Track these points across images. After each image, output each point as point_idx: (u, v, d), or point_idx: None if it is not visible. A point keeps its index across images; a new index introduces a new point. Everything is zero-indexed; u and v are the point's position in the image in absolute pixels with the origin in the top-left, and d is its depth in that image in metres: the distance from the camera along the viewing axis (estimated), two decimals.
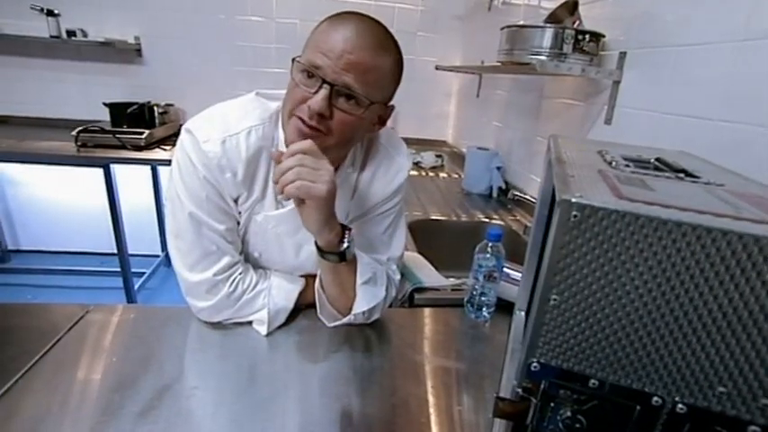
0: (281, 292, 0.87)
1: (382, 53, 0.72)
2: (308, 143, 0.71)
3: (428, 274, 1.14)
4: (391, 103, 0.82)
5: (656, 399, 0.36)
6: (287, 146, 0.78)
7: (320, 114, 0.71)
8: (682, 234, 0.31)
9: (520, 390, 0.40)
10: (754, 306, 0.30)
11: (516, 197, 1.68)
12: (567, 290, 0.35)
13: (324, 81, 0.70)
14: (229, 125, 0.78)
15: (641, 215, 0.32)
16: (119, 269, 2.38)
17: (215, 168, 0.76)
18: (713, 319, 0.32)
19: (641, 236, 0.32)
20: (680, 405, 0.35)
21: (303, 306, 0.90)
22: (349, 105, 0.72)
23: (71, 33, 2.52)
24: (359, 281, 0.82)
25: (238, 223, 0.85)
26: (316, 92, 0.70)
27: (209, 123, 0.78)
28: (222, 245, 0.82)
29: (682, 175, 0.49)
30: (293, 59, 0.73)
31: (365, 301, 0.83)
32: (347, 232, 0.79)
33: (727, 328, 0.32)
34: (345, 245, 0.77)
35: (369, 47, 0.70)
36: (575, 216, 0.33)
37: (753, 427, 0.33)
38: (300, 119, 0.72)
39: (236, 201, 0.82)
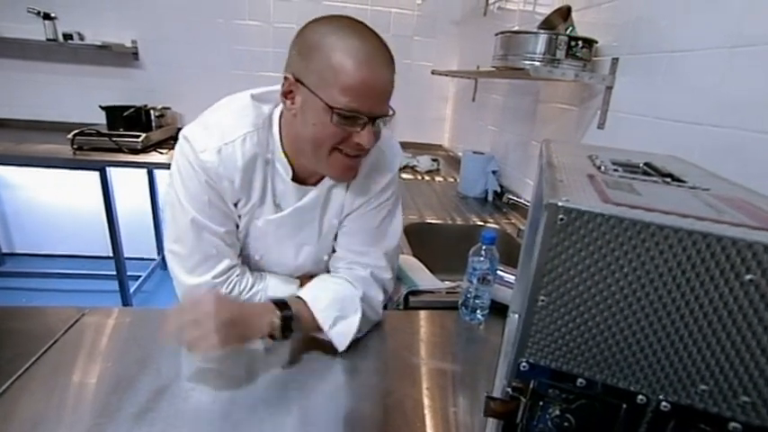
0: (276, 294, 0.88)
1: (394, 66, 0.74)
2: (179, 307, 0.72)
3: (423, 278, 1.15)
4: None
5: (641, 397, 0.37)
6: (284, 151, 0.81)
7: None
8: (664, 237, 0.32)
9: (510, 389, 0.41)
10: (734, 306, 0.32)
11: (511, 201, 1.69)
12: (555, 291, 0.36)
13: (370, 118, 0.72)
14: (224, 133, 0.78)
15: (625, 218, 0.33)
16: (114, 272, 2.38)
17: (213, 176, 0.78)
18: (695, 318, 0.33)
19: (626, 238, 0.33)
20: (664, 403, 0.36)
21: None
22: (383, 124, 0.76)
23: (68, 36, 2.52)
24: (325, 328, 0.81)
25: (237, 226, 0.86)
26: (362, 129, 0.72)
27: (206, 132, 0.79)
28: (222, 248, 0.83)
29: (669, 179, 0.50)
30: (330, 108, 0.70)
31: (341, 338, 0.82)
32: (278, 315, 0.76)
33: (708, 328, 0.33)
34: (279, 333, 0.76)
35: (390, 70, 0.72)
36: (561, 219, 0.34)
37: (733, 424, 0.34)
38: (346, 154, 0.75)
39: (235, 204, 0.83)
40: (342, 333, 0.82)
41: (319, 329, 0.82)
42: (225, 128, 0.79)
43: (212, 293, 0.73)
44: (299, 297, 0.83)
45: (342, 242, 0.92)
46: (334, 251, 0.95)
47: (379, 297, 0.91)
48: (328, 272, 0.98)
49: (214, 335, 0.67)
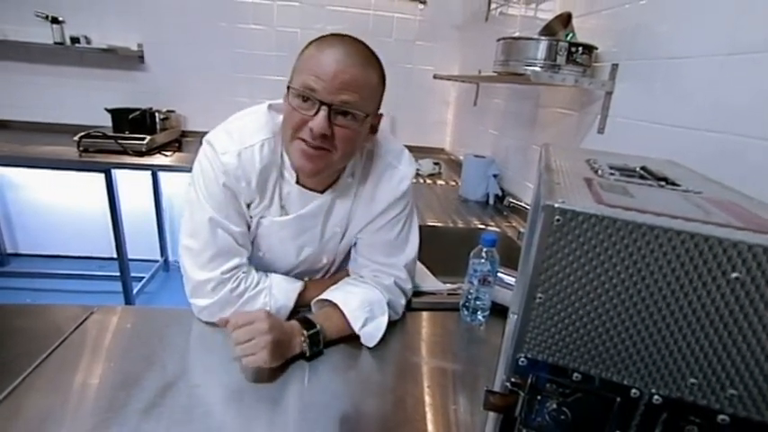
0: (281, 291, 0.91)
1: (370, 68, 0.77)
2: (233, 320, 0.76)
3: (425, 279, 1.16)
4: (379, 111, 0.86)
5: (634, 390, 0.38)
6: (291, 164, 0.84)
7: (323, 134, 0.75)
8: (655, 237, 0.34)
9: (509, 384, 0.42)
10: (720, 303, 0.33)
11: (512, 204, 1.70)
12: (552, 288, 0.38)
13: (321, 103, 0.74)
14: (244, 138, 0.83)
15: (618, 219, 0.35)
16: (118, 273, 2.39)
17: (232, 177, 0.82)
18: (684, 315, 0.35)
19: (618, 238, 0.35)
20: (656, 396, 0.38)
21: (302, 307, 0.94)
22: (347, 121, 0.77)
23: (75, 40, 2.55)
24: (356, 328, 0.86)
25: (249, 228, 0.90)
26: (315, 113, 0.74)
27: (228, 136, 0.83)
28: (234, 247, 0.87)
29: (663, 183, 0.52)
30: (288, 87, 0.77)
31: (370, 337, 0.87)
32: (305, 335, 0.81)
33: (696, 324, 0.34)
34: (308, 350, 0.81)
35: (358, 64, 0.75)
36: (557, 220, 0.36)
37: (722, 416, 0.36)
38: (304, 141, 0.77)
39: (248, 206, 0.88)
40: (371, 333, 0.87)
41: (346, 331, 0.86)
42: (245, 134, 0.84)
43: (263, 311, 0.77)
44: (327, 300, 0.88)
45: (364, 252, 0.97)
46: (352, 256, 1.00)
47: (401, 301, 0.97)
48: (327, 272, 1.04)
49: (265, 352, 0.73)
